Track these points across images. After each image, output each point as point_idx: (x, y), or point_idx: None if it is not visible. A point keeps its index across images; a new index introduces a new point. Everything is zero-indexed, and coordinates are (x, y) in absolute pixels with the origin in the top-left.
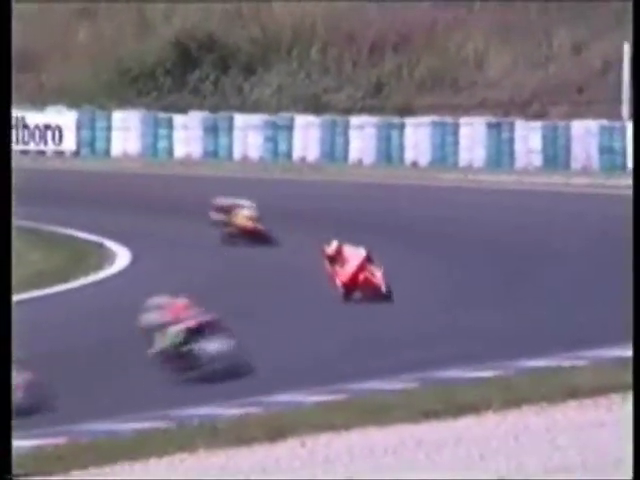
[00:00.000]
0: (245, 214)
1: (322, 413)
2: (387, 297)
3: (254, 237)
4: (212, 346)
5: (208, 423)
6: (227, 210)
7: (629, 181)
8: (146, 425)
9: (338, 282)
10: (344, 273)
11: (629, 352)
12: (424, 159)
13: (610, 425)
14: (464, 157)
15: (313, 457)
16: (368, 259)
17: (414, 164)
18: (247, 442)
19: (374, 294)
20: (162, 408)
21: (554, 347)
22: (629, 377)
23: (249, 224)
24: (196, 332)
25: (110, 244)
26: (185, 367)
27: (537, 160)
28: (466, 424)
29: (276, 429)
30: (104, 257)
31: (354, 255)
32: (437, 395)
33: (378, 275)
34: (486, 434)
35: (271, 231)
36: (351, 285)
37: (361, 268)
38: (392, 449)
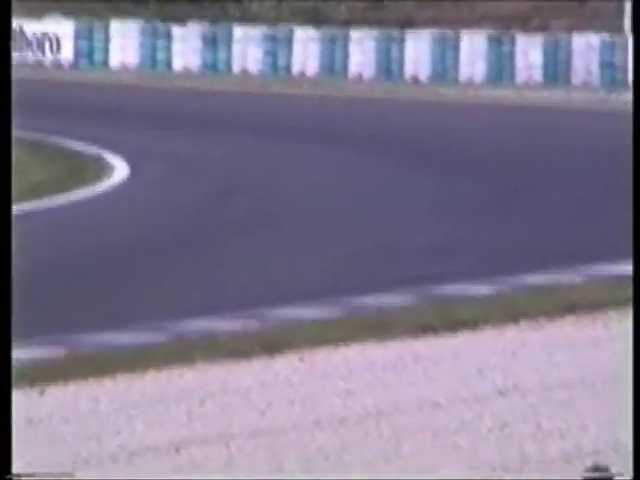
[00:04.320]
0: None
1: (320, 328)
2: None
3: None
4: None
5: (207, 336)
6: None
7: (630, 97)
8: (144, 337)
9: None
10: None
11: (628, 267)
12: (424, 73)
13: (607, 341)
14: (465, 71)
15: (312, 372)
16: None
17: (414, 78)
18: (246, 356)
19: None
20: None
21: (553, 263)
22: (627, 293)
23: None
24: None
25: (108, 156)
26: None
27: (538, 75)
28: (464, 339)
29: (274, 343)
30: (102, 169)
31: None
32: (435, 310)
33: None
34: (484, 349)
35: None
36: None
37: None
38: (391, 364)
